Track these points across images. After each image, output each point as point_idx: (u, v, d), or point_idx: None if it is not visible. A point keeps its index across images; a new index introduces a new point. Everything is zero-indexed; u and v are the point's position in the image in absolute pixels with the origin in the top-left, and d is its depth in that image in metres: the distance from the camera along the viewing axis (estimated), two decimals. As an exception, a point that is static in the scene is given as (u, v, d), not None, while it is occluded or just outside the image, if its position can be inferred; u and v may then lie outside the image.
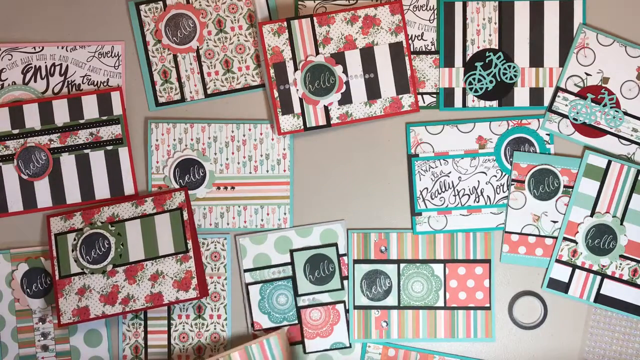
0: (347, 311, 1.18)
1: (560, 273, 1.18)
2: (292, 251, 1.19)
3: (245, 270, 1.19)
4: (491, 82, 1.19)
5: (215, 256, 1.19)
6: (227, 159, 1.19)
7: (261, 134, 1.19)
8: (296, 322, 1.19)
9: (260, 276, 1.18)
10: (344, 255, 1.19)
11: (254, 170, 1.19)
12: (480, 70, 1.19)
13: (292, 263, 1.19)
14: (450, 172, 1.19)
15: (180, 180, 1.19)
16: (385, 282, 1.18)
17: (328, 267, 1.18)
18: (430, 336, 1.18)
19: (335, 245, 1.19)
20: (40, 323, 1.18)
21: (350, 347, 1.18)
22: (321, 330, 1.18)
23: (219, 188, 1.19)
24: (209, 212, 1.19)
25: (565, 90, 1.19)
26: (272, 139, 1.19)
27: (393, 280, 1.18)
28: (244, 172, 1.19)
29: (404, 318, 1.19)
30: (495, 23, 1.19)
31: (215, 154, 1.19)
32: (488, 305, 1.18)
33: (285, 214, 1.19)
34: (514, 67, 1.19)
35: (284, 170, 1.19)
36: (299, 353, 1.18)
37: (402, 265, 1.19)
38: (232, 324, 1.19)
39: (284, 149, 1.19)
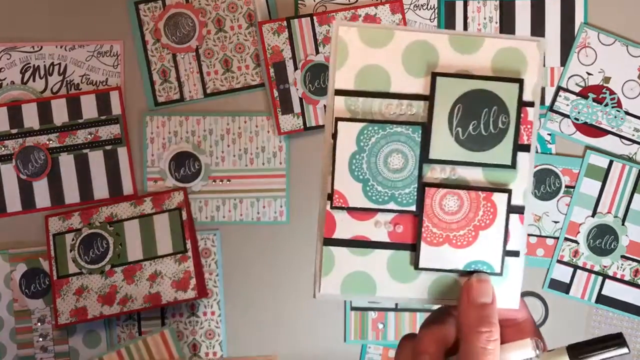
0: (509, 210, 0.64)
1: (562, 273, 1.17)
2: (434, 74, 0.61)
3: (338, 93, 0.62)
4: (492, 81, 1.19)
5: (206, 252, 1.18)
6: (222, 152, 1.19)
7: (257, 126, 1.18)
8: (413, 208, 0.62)
9: (364, 107, 0.62)
10: (531, 104, 0.62)
11: (250, 163, 1.19)
12: (481, 70, 1.18)
13: (431, 97, 0.61)
14: (451, 172, 1.16)
15: (176, 174, 1.18)
16: (384, 282, 1.14)
17: (497, 120, 0.62)
18: (429, 337, 1.16)
19: (520, 82, 0.61)
20: (39, 324, 1.18)
21: (501, 274, 0.63)
22: (457, 233, 0.63)
23: (214, 181, 1.19)
24: (204, 205, 1.18)
25: (567, 90, 1.18)
26: (268, 132, 1.19)
27: (392, 281, 1.15)
28: (240, 164, 1.19)
29: (400, 320, 1.18)
30: (496, 22, 1.19)
31: (211, 146, 1.19)
32: (487, 307, 1.15)
33: (281, 206, 1.18)
34: (514, 67, 1.18)
35: (280, 163, 1.18)
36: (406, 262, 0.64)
37: (401, 266, 1.15)
38: (225, 320, 1.19)
39: (280, 142, 1.19)
